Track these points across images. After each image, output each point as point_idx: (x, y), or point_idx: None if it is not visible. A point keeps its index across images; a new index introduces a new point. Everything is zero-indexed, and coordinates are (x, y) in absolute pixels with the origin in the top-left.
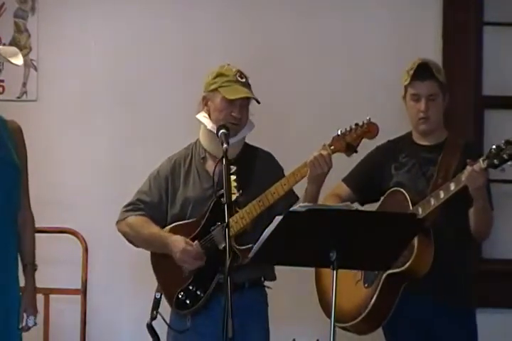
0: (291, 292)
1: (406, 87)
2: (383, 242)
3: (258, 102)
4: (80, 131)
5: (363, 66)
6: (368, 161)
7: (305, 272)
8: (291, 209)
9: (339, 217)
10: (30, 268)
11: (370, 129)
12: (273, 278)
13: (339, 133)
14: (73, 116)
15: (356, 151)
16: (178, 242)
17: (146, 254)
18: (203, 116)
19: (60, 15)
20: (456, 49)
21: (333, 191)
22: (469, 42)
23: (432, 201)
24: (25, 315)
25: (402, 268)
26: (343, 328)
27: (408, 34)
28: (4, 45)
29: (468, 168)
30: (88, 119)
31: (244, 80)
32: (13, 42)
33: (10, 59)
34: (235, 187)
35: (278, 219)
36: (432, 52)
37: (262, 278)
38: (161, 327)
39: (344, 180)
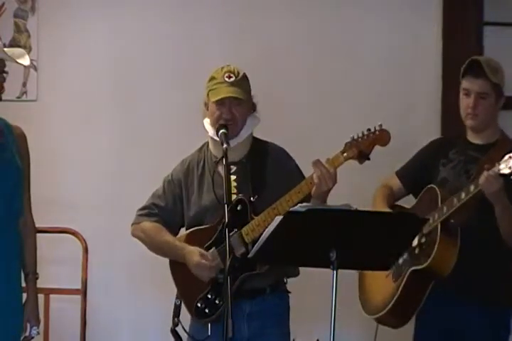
0: (291, 292)
1: (461, 80)
2: (383, 242)
3: (246, 100)
4: (79, 131)
5: (363, 66)
6: (420, 155)
7: (305, 272)
8: (291, 209)
9: (339, 217)
10: (32, 277)
11: (382, 136)
12: (296, 273)
13: (351, 139)
14: (73, 116)
15: (369, 159)
16: (193, 255)
17: (146, 254)
18: (207, 123)
19: (60, 16)
20: (456, 49)
21: (386, 182)
22: (469, 42)
23: (455, 200)
24: (28, 325)
25: (424, 265)
26: (378, 322)
27: (408, 34)
28: (4, 45)
29: (485, 173)
30: (88, 119)
31: (232, 80)
32: (13, 42)
33: (17, 60)
34: (235, 187)
35: (278, 219)
36: (432, 52)
37: (285, 279)
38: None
39: (397, 172)
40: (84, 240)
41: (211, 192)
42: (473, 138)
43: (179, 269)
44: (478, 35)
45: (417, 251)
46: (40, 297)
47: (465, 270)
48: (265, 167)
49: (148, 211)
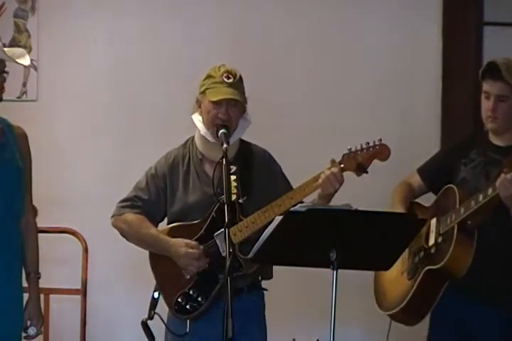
0: (290, 292)
1: (482, 83)
2: (383, 242)
3: (242, 102)
4: (79, 131)
5: (363, 66)
6: (442, 153)
7: (304, 272)
8: (291, 209)
9: (339, 217)
10: (34, 277)
11: (382, 151)
12: (270, 276)
13: (349, 151)
14: (73, 116)
15: (367, 172)
16: (179, 246)
17: (146, 254)
18: (197, 119)
19: (60, 15)
20: (456, 49)
21: (406, 179)
22: (469, 42)
23: (472, 203)
24: (28, 324)
25: (439, 265)
26: (392, 318)
27: (408, 34)
28: (4, 45)
29: (502, 176)
30: (88, 119)
31: (231, 81)
32: (13, 42)
33: (17, 60)
34: (235, 187)
35: (278, 219)
36: (432, 52)
37: (260, 278)
38: (159, 325)
39: (418, 170)
40: (84, 240)
41: (197, 190)
42: (494, 139)
43: (160, 262)
44: (478, 35)
45: (433, 250)
46: (40, 297)
47: (479, 271)
48: (252, 168)
49: (132, 203)
